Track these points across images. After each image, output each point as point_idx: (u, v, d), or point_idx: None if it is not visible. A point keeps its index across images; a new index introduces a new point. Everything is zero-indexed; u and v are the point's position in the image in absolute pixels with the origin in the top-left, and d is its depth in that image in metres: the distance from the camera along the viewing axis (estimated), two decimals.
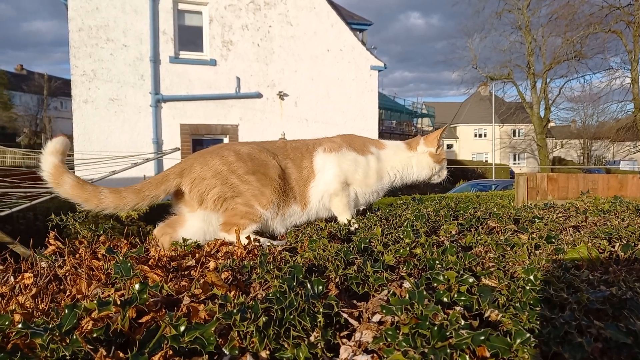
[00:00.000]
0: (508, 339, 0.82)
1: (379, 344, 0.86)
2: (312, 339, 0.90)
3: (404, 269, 1.31)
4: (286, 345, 0.87)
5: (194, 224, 1.91)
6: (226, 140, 11.66)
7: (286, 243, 1.73)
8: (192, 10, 11.58)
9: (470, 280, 1.08)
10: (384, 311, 0.94)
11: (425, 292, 0.96)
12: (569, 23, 24.74)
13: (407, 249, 1.41)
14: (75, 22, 10.34)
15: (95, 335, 0.86)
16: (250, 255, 1.58)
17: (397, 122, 36.17)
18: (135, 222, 5.22)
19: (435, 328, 0.84)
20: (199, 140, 11.54)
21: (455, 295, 1.03)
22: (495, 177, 23.55)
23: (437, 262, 1.27)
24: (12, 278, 1.42)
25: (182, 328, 0.85)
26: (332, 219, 2.16)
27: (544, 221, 2.00)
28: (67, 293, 1.27)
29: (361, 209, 2.32)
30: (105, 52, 10.57)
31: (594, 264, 1.41)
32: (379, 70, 13.16)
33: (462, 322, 0.86)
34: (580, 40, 25.06)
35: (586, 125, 41.81)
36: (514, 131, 42.70)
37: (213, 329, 0.85)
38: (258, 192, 1.91)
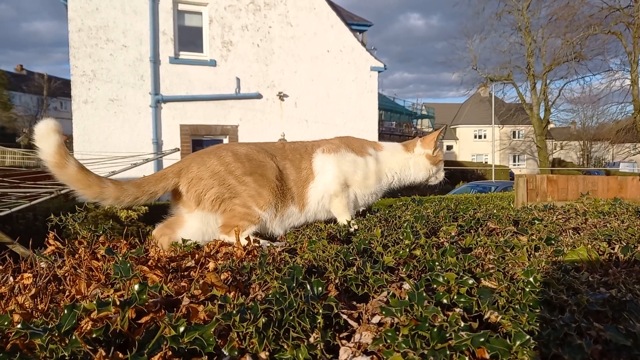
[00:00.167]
0: (508, 340, 0.82)
1: (378, 346, 0.86)
2: (311, 340, 0.90)
3: (404, 270, 1.31)
4: (286, 347, 0.87)
5: (192, 225, 1.91)
6: (226, 141, 11.66)
7: (286, 244, 1.73)
8: (192, 11, 11.58)
9: (470, 281, 1.08)
10: (384, 312, 0.94)
11: (424, 294, 0.96)
12: (568, 24, 24.76)
13: (407, 250, 1.41)
14: (75, 22, 10.34)
15: (94, 335, 0.86)
16: (250, 256, 1.58)
17: (397, 123, 36.18)
18: (134, 223, 5.22)
19: (435, 329, 0.84)
20: (198, 140, 11.54)
21: (455, 297, 1.03)
22: (495, 178, 23.55)
23: (436, 263, 1.27)
24: (11, 278, 1.42)
25: (182, 329, 0.84)
26: (331, 220, 2.16)
27: (543, 223, 2.00)
28: (67, 293, 1.27)
29: (360, 210, 2.33)
30: (105, 52, 10.57)
31: (593, 265, 1.41)
32: (379, 71, 13.17)
33: (462, 324, 0.86)
34: (580, 41, 25.07)
35: (586, 126, 41.83)
36: (514, 132, 42.72)
37: (212, 329, 0.85)
38: (255, 193, 1.91)
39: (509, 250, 1.48)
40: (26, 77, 42.80)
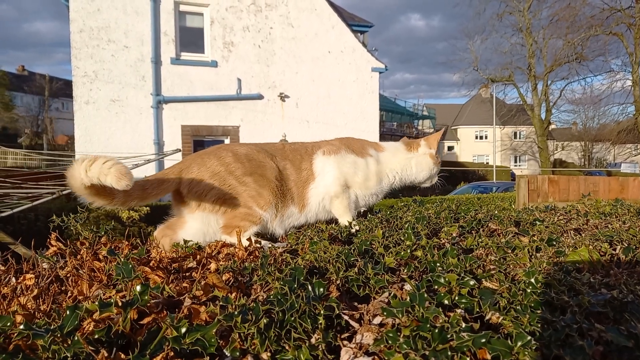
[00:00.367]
0: (509, 341, 0.82)
1: (379, 346, 0.86)
2: (313, 340, 0.90)
3: (405, 271, 1.31)
4: (287, 347, 0.87)
5: (193, 226, 1.91)
6: (227, 141, 11.67)
7: (287, 245, 1.73)
8: (193, 12, 11.60)
9: (471, 282, 1.08)
10: (385, 313, 0.94)
11: (426, 295, 0.96)
12: (570, 25, 24.74)
13: (408, 251, 1.41)
14: (77, 23, 10.36)
15: (96, 336, 0.86)
16: (252, 257, 1.58)
17: (398, 124, 36.15)
18: (136, 223, 5.23)
19: (436, 330, 0.84)
20: (200, 141, 11.55)
21: (456, 298, 1.03)
22: (496, 179, 23.52)
23: (438, 264, 1.27)
24: (13, 279, 1.42)
25: (184, 330, 0.85)
26: (333, 221, 2.16)
27: (545, 224, 2.00)
28: (69, 294, 1.27)
29: (362, 210, 2.33)
30: (107, 53, 10.60)
31: (595, 266, 1.41)
32: (380, 72, 13.18)
33: (463, 325, 0.86)
34: (581, 42, 25.06)
35: (587, 127, 41.76)
36: (515, 133, 42.68)
37: (214, 330, 0.85)
38: (256, 193, 1.91)
39: (510, 251, 1.47)
40: (28, 78, 42.88)
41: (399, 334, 0.85)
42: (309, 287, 1.02)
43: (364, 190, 2.18)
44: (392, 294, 1.11)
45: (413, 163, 2.33)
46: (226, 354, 0.85)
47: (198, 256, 1.56)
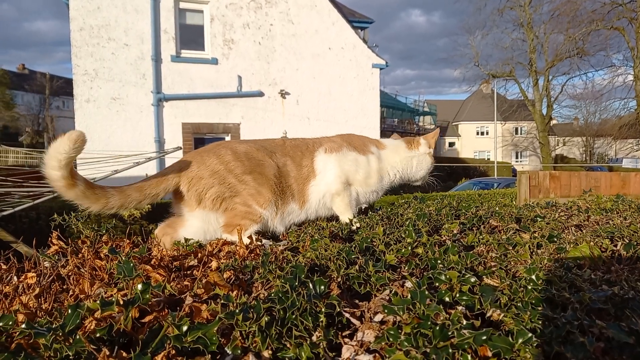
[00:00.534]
0: (510, 338, 0.82)
1: (381, 344, 0.86)
2: (314, 338, 0.90)
3: (406, 268, 1.31)
4: (288, 345, 0.87)
5: (193, 224, 1.91)
6: (228, 139, 11.67)
7: (288, 243, 1.73)
8: (193, 9, 11.58)
9: (472, 279, 1.08)
10: (386, 311, 0.94)
11: (427, 292, 0.96)
12: (571, 20, 24.62)
13: (409, 248, 1.41)
14: (77, 21, 10.35)
15: (98, 335, 0.86)
16: (253, 255, 1.58)
17: (399, 120, 36.12)
18: (137, 221, 5.23)
19: (437, 328, 0.84)
20: (200, 139, 11.55)
21: (457, 295, 1.03)
22: (497, 175, 23.47)
23: (439, 261, 1.27)
24: (15, 278, 1.43)
25: (185, 328, 0.85)
26: (333, 218, 2.16)
27: (546, 220, 2.00)
28: (70, 293, 1.27)
29: (363, 207, 2.33)
30: (107, 51, 10.58)
31: (596, 263, 1.41)
32: (381, 68, 13.14)
33: (464, 322, 0.86)
34: (583, 37, 24.94)
35: (588, 122, 41.69)
36: (516, 129, 42.58)
37: (215, 328, 0.86)
38: (255, 191, 1.91)
39: (511, 247, 1.47)
40: (28, 77, 42.87)
41: (400, 331, 0.86)
42: (310, 285, 1.03)
43: (365, 187, 2.18)
44: (393, 292, 1.11)
45: (415, 162, 2.33)
46: (227, 352, 0.86)
47: (199, 254, 1.56)
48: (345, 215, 2.08)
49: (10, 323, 0.90)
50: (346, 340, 0.93)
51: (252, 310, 0.90)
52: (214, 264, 1.39)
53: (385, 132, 24.54)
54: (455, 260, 1.25)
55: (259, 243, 1.72)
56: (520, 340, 0.81)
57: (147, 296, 0.98)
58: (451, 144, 47.07)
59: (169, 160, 9.36)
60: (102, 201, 1.72)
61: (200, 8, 11.57)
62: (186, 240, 1.71)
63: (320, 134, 2.36)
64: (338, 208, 2.11)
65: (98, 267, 1.43)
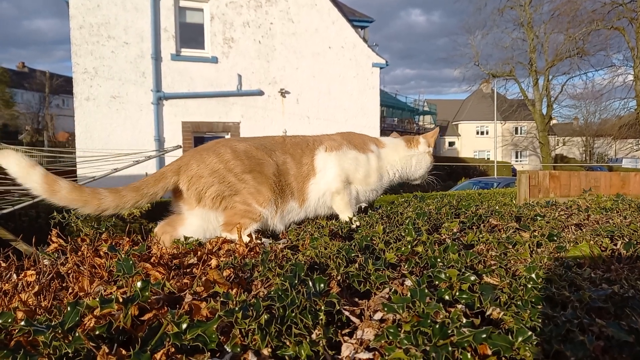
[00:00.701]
0: (510, 337, 0.82)
1: (380, 342, 0.86)
2: (313, 336, 0.90)
3: (406, 266, 1.31)
4: (288, 343, 0.87)
5: (193, 222, 1.91)
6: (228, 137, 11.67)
7: (287, 241, 1.73)
8: (193, 8, 11.56)
9: (472, 278, 1.08)
10: (386, 309, 0.94)
11: (426, 290, 0.96)
12: (571, 20, 24.62)
13: (409, 246, 1.41)
14: (77, 19, 10.34)
15: (97, 332, 0.86)
16: (252, 253, 1.58)
17: (398, 120, 36.07)
18: (137, 220, 5.23)
19: (437, 326, 0.84)
20: (200, 137, 11.54)
21: (457, 293, 1.03)
22: (497, 174, 23.47)
23: (438, 260, 1.27)
24: (14, 275, 1.43)
25: (184, 326, 0.85)
26: (333, 216, 2.16)
27: (545, 219, 2.00)
28: (70, 290, 1.27)
29: (362, 206, 2.33)
30: (107, 49, 10.57)
31: (596, 262, 1.41)
32: (381, 68, 13.14)
33: (464, 320, 0.86)
34: (583, 37, 24.93)
35: (588, 122, 41.66)
36: (516, 128, 42.58)
37: (215, 326, 0.85)
38: (255, 190, 1.91)
39: (511, 246, 1.47)
40: (28, 75, 42.81)
41: (399, 329, 0.85)
42: (310, 283, 1.02)
43: (365, 186, 2.18)
44: (392, 290, 1.11)
45: (414, 161, 2.33)
46: (227, 349, 0.86)
47: (199, 252, 1.56)
48: (345, 214, 2.08)
49: (10, 320, 0.90)
50: (346, 338, 0.93)
51: (251, 308, 0.90)
52: (213, 262, 1.39)
53: (385, 132, 24.52)
54: (455, 258, 1.25)
55: (259, 241, 1.71)
56: (520, 339, 0.81)
57: (147, 294, 0.98)
58: (451, 144, 47.06)
59: (169, 159, 9.36)
60: (94, 203, 1.71)
61: (200, 6, 11.56)
62: (186, 238, 1.71)
63: (320, 133, 2.36)
64: (338, 206, 2.10)
65: (97, 264, 1.43)
